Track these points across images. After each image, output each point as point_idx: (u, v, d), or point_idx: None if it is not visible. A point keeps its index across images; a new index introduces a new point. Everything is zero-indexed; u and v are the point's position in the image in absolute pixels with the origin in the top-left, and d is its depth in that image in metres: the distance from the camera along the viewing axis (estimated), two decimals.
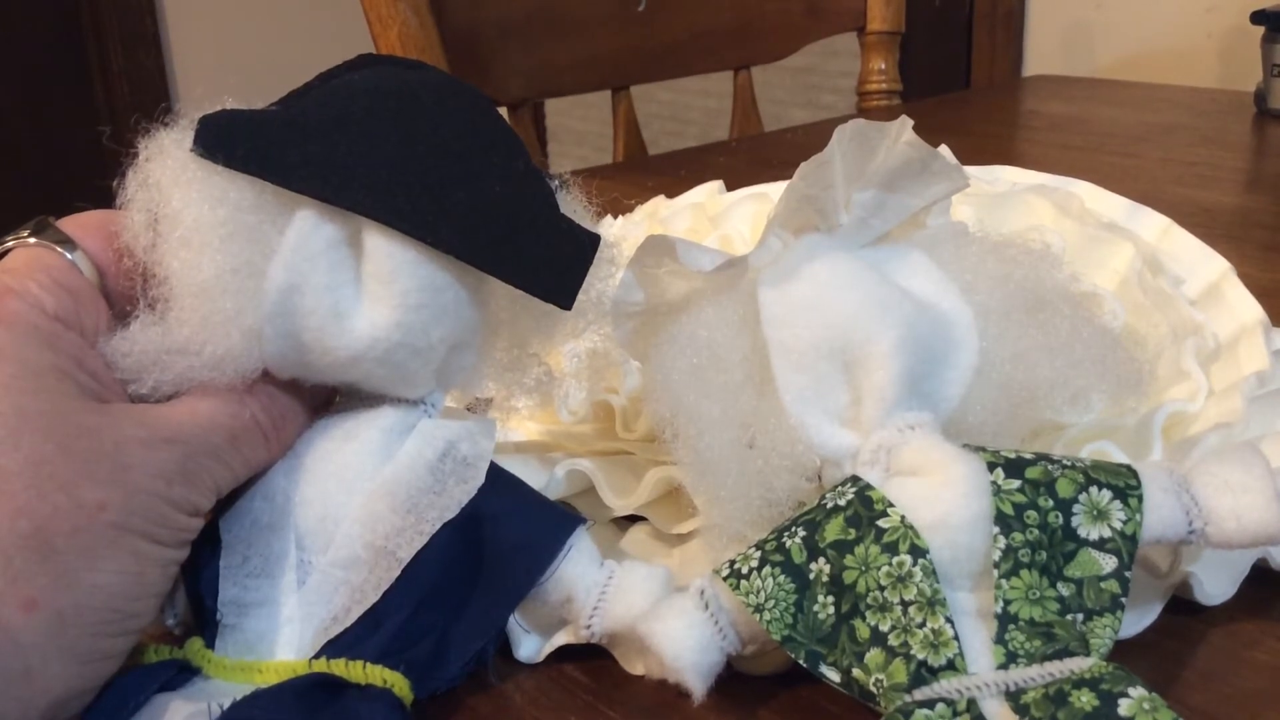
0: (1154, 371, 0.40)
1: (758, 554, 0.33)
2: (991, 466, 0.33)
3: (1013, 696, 0.29)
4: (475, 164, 0.34)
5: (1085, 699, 0.28)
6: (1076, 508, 0.32)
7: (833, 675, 0.31)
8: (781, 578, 0.32)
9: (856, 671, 0.31)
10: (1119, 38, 1.83)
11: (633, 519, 0.42)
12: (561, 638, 0.36)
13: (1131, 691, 0.28)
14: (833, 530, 0.32)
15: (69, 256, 0.34)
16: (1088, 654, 0.30)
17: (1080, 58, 1.88)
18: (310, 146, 0.33)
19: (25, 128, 2.32)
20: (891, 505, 0.32)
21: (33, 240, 0.34)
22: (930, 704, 0.29)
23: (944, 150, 0.40)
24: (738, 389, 0.36)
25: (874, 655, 0.30)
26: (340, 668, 0.33)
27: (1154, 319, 0.47)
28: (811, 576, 0.32)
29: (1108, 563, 0.32)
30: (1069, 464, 0.33)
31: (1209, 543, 0.33)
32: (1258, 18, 1.11)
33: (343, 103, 0.34)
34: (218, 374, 0.33)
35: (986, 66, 2.00)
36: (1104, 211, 0.54)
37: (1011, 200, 0.54)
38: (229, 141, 0.32)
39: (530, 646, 0.36)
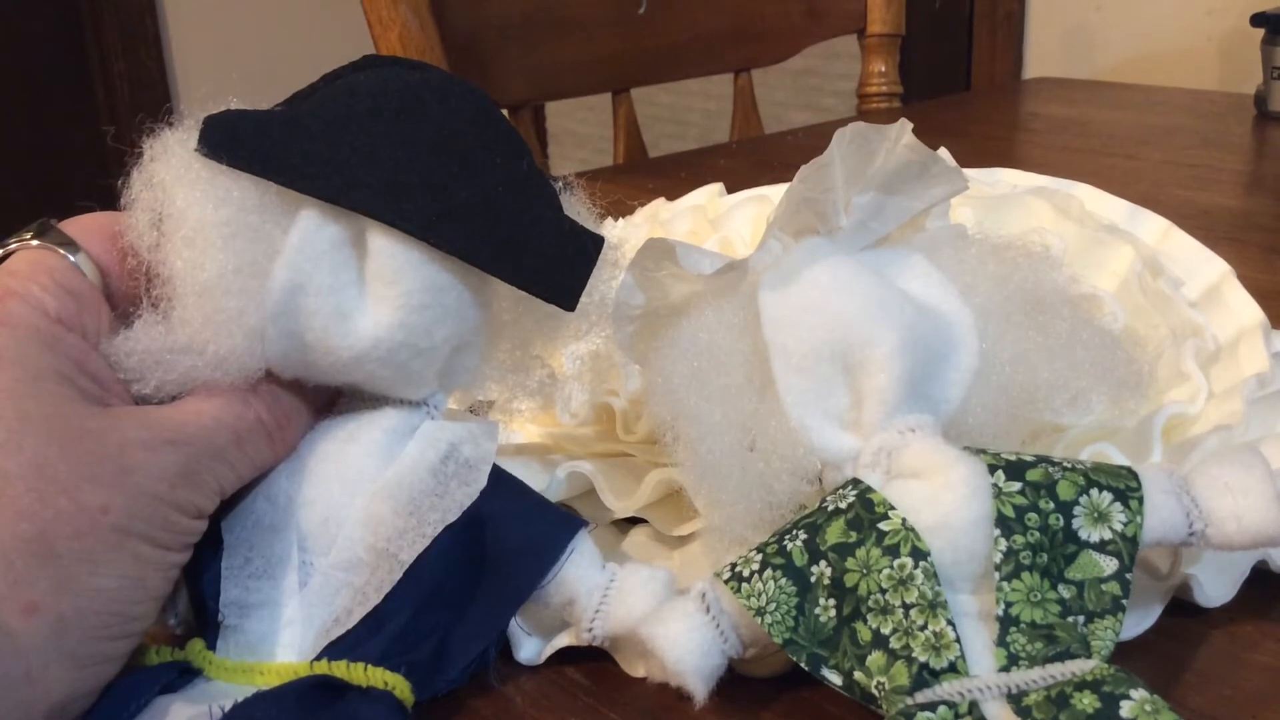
0: (1154, 373, 0.40)
1: (759, 557, 0.33)
2: (992, 469, 0.33)
3: (1014, 699, 0.29)
4: (479, 164, 0.34)
5: (1087, 701, 0.28)
6: (1077, 510, 0.32)
7: (834, 678, 0.31)
8: (783, 580, 0.32)
9: (858, 674, 0.31)
10: (1119, 40, 1.83)
11: (633, 521, 0.43)
12: (563, 640, 0.36)
13: (1133, 693, 0.28)
14: (834, 533, 0.32)
15: (71, 259, 0.34)
16: (1089, 656, 0.30)
17: (1080, 60, 1.88)
18: (314, 147, 0.33)
19: (26, 128, 2.31)
20: (893, 508, 0.32)
21: (35, 242, 0.34)
22: (932, 706, 0.29)
23: (943, 153, 0.40)
24: (738, 392, 0.36)
25: (876, 658, 0.30)
26: (341, 670, 0.33)
27: (1154, 321, 0.47)
28: (813, 579, 0.32)
29: (1109, 565, 0.32)
30: (1070, 466, 0.33)
31: (1209, 544, 0.33)
32: (1258, 20, 1.11)
33: (347, 103, 0.34)
34: (221, 374, 0.33)
35: (986, 68, 2.00)
36: (1104, 214, 0.54)
37: (1011, 202, 0.54)
38: (233, 141, 0.33)
39: (531, 649, 0.36)
